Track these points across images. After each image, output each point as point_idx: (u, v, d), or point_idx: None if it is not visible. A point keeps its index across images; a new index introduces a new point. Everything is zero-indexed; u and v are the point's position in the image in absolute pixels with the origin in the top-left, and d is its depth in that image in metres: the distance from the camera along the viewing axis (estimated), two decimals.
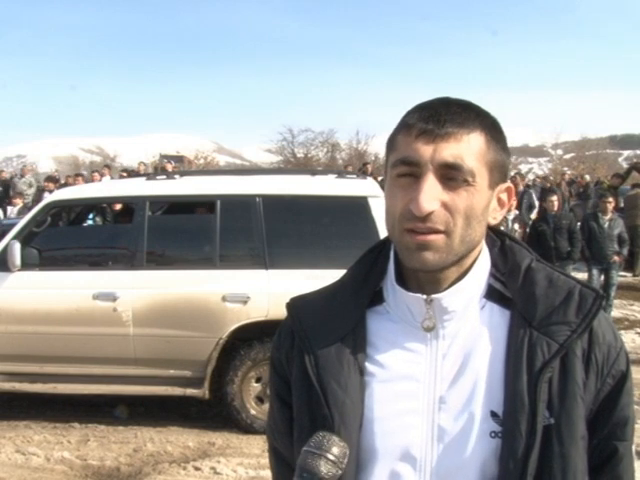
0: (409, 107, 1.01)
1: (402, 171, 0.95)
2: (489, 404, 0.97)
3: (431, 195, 0.92)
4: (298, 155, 32.25)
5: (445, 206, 0.93)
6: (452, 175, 0.93)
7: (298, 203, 5.21)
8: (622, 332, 7.87)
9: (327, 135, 33.07)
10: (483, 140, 0.95)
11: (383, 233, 4.58)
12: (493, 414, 0.96)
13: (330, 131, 33.24)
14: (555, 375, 0.96)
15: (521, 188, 12.88)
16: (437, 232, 0.93)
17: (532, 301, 0.99)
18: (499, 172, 0.98)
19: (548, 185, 16.13)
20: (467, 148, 0.93)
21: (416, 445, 0.98)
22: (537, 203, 12.85)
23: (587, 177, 21.09)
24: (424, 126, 0.94)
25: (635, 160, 22.74)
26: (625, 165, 39.60)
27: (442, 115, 0.94)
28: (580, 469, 0.96)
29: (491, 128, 0.98)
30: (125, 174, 12.94)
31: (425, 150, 0.93)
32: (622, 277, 10.83)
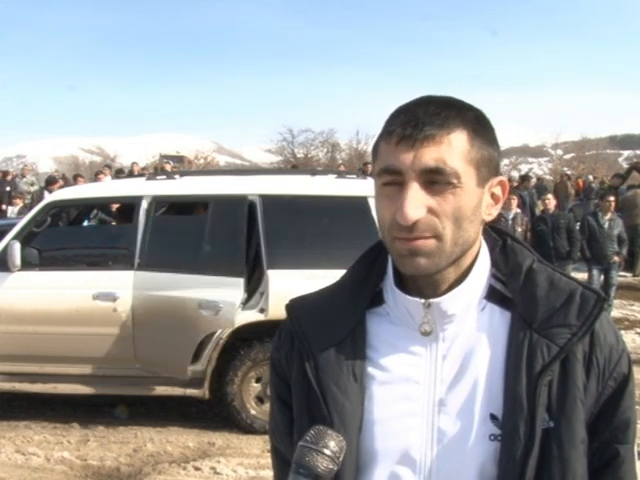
0: None
1: (386, 180, 0.94)
2: (488, 407, 0.96)
3: (415, 203, 0.90)
4: (298, 155, 32.27)
5: (431, 211, 0.91)
6: (435, 179, 0.91)
7: (298, 203, 5.21)
8: (622, 332, 7.85)
9: (327, 135, 33.14)
10: (466, 138, 0.93)
11: None
12: (492, 417, 0.96)
13: (330, 131, 33.32)
14: (555, 378, 0.95)
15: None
16: (426, 238, 0.92)
17: (533, 303, 0.98)
18: (488, 167, 0.96)
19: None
20: (448, 149, 0.91)
21: (415, 447, 0.98)
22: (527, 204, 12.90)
23: (590, 177, 21.03)
24: (402, 132, 0.92)
25: (635, 160, 22.68)
26: (625, 165, 39.57)
27: (420, 118, 0.92)
28: (579, 473, 0.96)
29: (474, 123, 0.95)
30: (123, 174, 12.98)
31: (405, 157, 0.91)
32: (622, 277, 10.82)
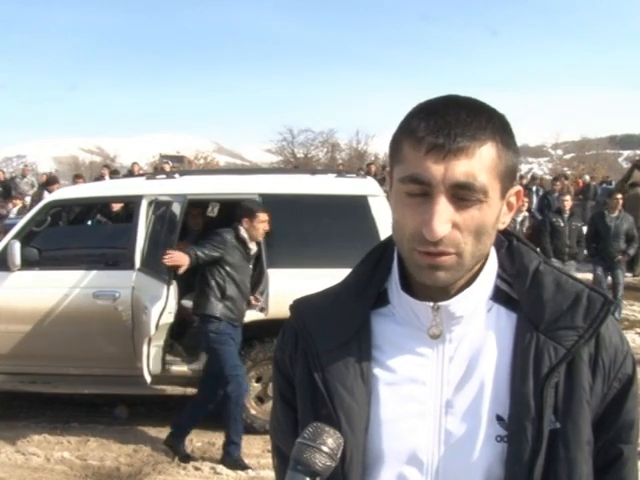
0: (409, 107, 0.95)
1: (412, 190, 0.91)
2: (495, 408, 0.96)
3: (444, 219, 0.88)
4: (298, 155, 32.32)
5: (456, 227, 0.90)
6: (464, 195, 0.89)
7: (298, 202, 5.20)
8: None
9: (327, 135, 33.22)
10: (495, 150, 0.91)
11: (383, 232, 4.58)
12: (499, 418, 0.96)
13: (330, 131, 33.41)
14: (561, 380, 0.95)
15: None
16: (448, 254, 0.91)
17: (539, 305, 0.98)
18: (509, 178, 0.95)
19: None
20: (479, 163, 0.89)
21: (422, 448, 0.97)
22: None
23: (587, 177, 21.03)
24: (434, 141, 0.88)
25: (637, 158, 22.49)
26: (625, 165, 39.62)
27: (452, 127, 0.88)
28: (585, 473, 0.96)
29: (502, 133, 0.93)
30: (118, 174, 13.03)
31: (436, 169, 0.88)
32: None
